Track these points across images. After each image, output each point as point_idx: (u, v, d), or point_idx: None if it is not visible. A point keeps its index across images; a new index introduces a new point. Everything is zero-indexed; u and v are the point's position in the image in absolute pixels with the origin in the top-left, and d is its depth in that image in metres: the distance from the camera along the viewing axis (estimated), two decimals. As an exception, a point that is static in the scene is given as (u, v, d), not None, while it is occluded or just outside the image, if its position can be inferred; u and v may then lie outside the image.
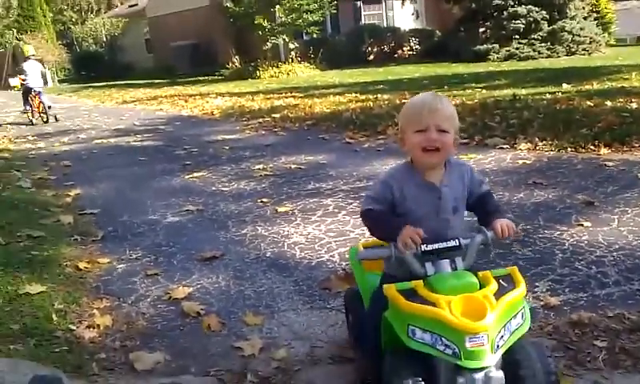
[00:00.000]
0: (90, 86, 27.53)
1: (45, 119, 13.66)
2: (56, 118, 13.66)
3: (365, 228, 2.23)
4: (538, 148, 6.34)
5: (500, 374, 1.78)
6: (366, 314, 2.28)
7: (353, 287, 2.78)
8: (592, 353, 2.43)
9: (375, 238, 2.31)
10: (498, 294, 1.84)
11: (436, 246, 1.97)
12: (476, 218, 2.20)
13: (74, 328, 2.99)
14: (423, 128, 2.03)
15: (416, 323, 1.81)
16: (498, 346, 1.75)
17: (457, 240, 1.99)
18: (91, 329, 2.98)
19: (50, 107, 13.69)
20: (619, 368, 2.33)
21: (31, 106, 13.66)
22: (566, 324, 2.67)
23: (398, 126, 2.20)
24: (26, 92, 13.68)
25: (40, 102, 13.53)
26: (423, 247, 1.96)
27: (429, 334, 1.78)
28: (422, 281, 1.92)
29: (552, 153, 6.12)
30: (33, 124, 13.52)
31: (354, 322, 2.59)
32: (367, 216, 2.15)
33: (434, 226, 2.06)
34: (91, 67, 36.62)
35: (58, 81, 35.15)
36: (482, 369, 1.75)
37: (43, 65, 15.14)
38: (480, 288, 1.87)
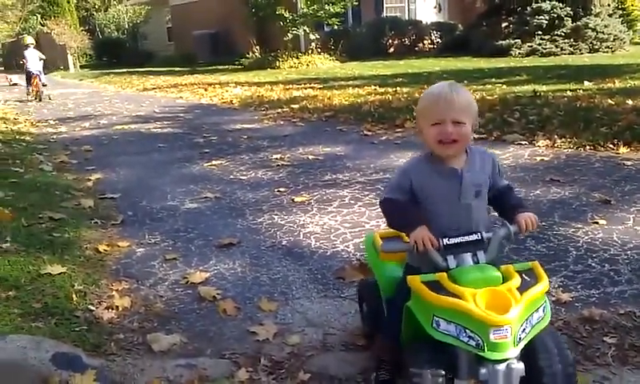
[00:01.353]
0: (110, 73, 27.74)
1: (39, 98, 15.68)
2: (50, 98, 15.75)
3: (380, 219, 2.27)
4: (556, 145, 6.31)
5: (521, 365, 1.81)
6: (387, 304, 2.31)
7: (367, 277, 2.83)
8: (601, 349, 2.45)
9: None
10: (522, 288, 1.86)
11: (458, 239, 1.99)
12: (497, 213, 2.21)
13: (94, 308, 3.07)
14: (439, 121, 2.03)
15: (441, 314, 1.84)
16: (520, 339, 1.79)
17: (479, 234, 2.00)
18: (110, 310, 3.06)
19: (45, 85, 16.03)
20: (628, 364, 2.35)
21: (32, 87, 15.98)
22: (576, 320, 2.69)
23: (415, 114, 2.20)
24: (28, 75, 16.06)
25: (37, 82, 15.80)
26: (445, 241, 1.97)
27: (453, 326, 1.81)
28: (445, 273, 1.94)
29: (570, 150, 6.10)
30: (29, 101, 15.64)
31: (368, 312, 2.62)
32: (386, 204, 2.17)
33: (456, 211, 2.07)
34: (113, 54, 36.89)
35: (80, 66, 35.47)
36: (504, 360, 1.78)
37: (42, 52, 17.50)
38: (503, 282, 1.89)
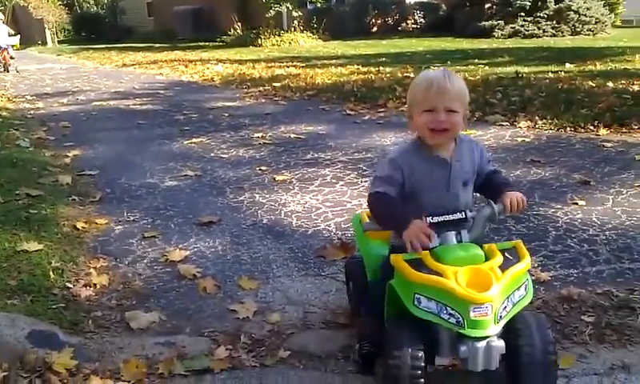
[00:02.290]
0: (89, 48, 27.31)
1: (6, 70, 16.73)
2: (17, 70, 16.79)
3: (362, 199, 2.25)
4: (537, 126, 6.34)
5: (501, 343, 1.81)
6: (371, 282, 2.30)
7: (354, 255, 2.82)
8: (579, 327, 2.47)
9: None
10: (503, 267, 1.86)
11: (442, 218, 1.97)
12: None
13: (71, 286, 3.02)
14: (431, 108, 2.00)
15: (422, 292, 1.84)
16: (500, 317, 1.79)
17: (463, 212, 1.99)
18: (88, 287, 3.02)
19: (12, 58, 17.03)
20: (605, 343, 2.37)
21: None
22: (555, 299, 2.71)
23: (407, 100, 2.15)
24: None
25: (5, 55, 16.81)
26: (429, 219, 1.96)
27: (434, 303, 1.81)
28: (428, 252, 1.93)
29: (551, 131, 6.13)
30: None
31: (354, 290, 2.61)
32: (375, 200, 2.07)
33: (444, 200, 2.06)
34: (91, 29, 36.31)
35: (58, 42, 34.83)
36: (484, 338, 1.79)
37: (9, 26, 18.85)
38: (485, 260, 1.89)
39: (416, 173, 2.06)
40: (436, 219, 1.97)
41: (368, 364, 2.22)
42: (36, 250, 3.38)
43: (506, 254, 1.96)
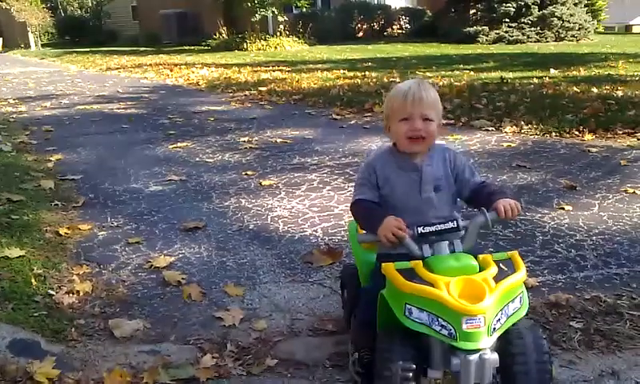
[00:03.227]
0: (73, 52, 27.05)
1: None
2: None
3: (348, 203, 2.22)
4: (523, 131, 6.37)
5: (495, 356, 1.76)
6: (364, 291, 2.27)
7: (350, 263, 2.79)
8: (568, 333, 2.47)
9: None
10: (498, 278, 1.81)
11: (433, 228, 1.93)
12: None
13: (54, 293, 2.97)
14: (408, 117, 2.06)
15: (413, 302, 1.79)
16: (494, 329, 1.74)
17: (455, 221, 1.94)
18: (71, 295, 2.96)
19: None
20: (593, 349, 2.37)
21: None
22: (543, 305, 2.70)
23: (383, 111, 2.21)
24: None
25: None
26: (420, 229, 1.92)
27: (425, 314, 1.76)
28: (420, 261, 1.89)
29: (537, 137, 6.15)
30: None
31: (349, 298, 2.58)
32: (355, 208, 2.15)
33: (416, 204, 2.09)
34: (75, 32, 35.97)
35: (42, 45, 34.49)
36: (477, 351, 1.74)
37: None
38: (480, 271, 1.84)
39: (390, 177, 2.12)
40: (427, 229, 1.92)
41: (370, 373, 2.15)
42: (18, 257, 3.31)
43: (501, 265, 1.91)
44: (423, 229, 1.93)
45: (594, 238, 3.47)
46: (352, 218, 2.26)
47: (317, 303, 2.86)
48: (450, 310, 1.72)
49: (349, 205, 2.26)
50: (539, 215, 3.86)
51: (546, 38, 21.69)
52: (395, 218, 1.95)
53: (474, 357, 1.74)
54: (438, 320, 1.74)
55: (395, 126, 2.10)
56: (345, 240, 3.56)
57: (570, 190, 4.35)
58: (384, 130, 2.22)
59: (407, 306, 1.80)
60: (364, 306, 2.14)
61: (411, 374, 1.81)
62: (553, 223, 3.72)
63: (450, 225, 1.94)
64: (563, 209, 3.95)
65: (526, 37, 21.61)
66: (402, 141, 2.09)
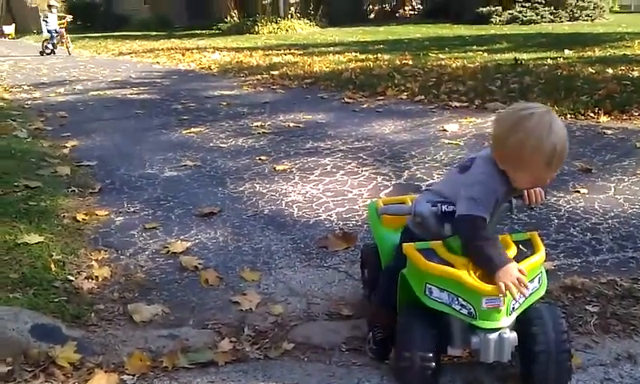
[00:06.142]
0: (85, 37, 27.09)
1: (69, 52, 18.80)
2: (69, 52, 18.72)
3: (363, 188, 2.22)
4: (537, 114, 6.31)
5: (513, 335, 1.81)
6: (384, 270, 2.29)
7: (370, 243, 2.80)
8: (584, 317, 2.47)
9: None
10: (517, 259, 1.85)
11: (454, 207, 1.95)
12: None
13: (73, 279, 3.00)
14: (553, 168, 1.87)
15: (434, 282, 1.83)
16: (513, 309, 1.78)
17: None
18: (90, 280, 3.00)
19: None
20: (610, 333, 2.37)
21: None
22: (559, 288, 2.70)
23: (517, 139, 1.84)
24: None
25: (66, 38, 19.27)
26: (444, 207, 1.94)
27: (446, 293, 1.80)
28: (441, 241, 1.91)
29: (551, 119, 6.09)
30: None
31: (369, 277, 2.60)
32: (472, 226, 1.87)
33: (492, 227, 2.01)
34: (87, 17, 36.01)
35: (54, 30, 34.56)
36: (496, 329, 1.77)
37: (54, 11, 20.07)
38: None
39: (497, 204, 1.98)
40: (451, 208, 1.94)
41: (383, 350, 2.19)
42: (36, 243, 3.35)
43: (521, 246, 1.94)
44: (447, 207, 1.94)
45: (610, 221, 3.45)
46: (368, 201, 2.27)
47: (332, 288, 2.88)
48: (470, 289, 1.75)
49: (362, 189, 2.25)
50: (554, 198, 3.85)
51: (560, 18, 21.42)
52: (516, 264, 1.81)
53: (493, 335, 1.78)
54: (458, 299, 1.78)
55: (534, 166, 1.84)
56: (359, 224, 3.57)
57: (585, 173, 4.32)
58: (498, 154, 1.93)
59: (428, 285, 1.83)
60: (385, 285, 2.16)
61: (432, 353, 1.84)
62: (568, 206, 3.71)
63: None
64: (578, 192, 3.93)
65: (539, 17, 21.34)
66: (523, 185, 1.96)
